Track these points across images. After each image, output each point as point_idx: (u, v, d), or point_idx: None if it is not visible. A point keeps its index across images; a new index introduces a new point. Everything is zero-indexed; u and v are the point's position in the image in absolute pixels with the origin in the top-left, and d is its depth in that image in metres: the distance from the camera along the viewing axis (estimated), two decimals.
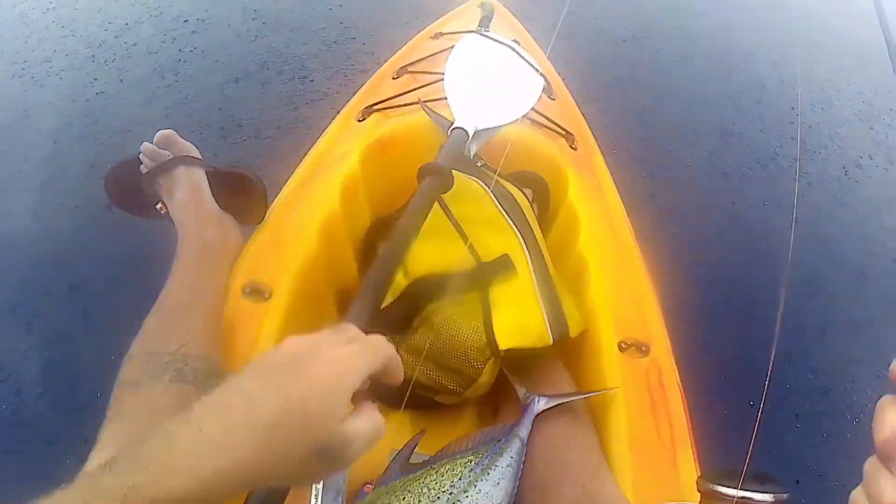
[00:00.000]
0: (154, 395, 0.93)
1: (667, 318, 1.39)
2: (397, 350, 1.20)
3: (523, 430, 1.12)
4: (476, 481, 1.01)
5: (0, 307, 2.29)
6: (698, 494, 1.02)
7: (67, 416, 1.94)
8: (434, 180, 1.12)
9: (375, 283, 0.95)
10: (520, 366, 1.26)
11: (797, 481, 2.07)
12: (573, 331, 1.25)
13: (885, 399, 0.49)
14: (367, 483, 1.11)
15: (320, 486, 1.11)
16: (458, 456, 1.05)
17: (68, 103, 3.15)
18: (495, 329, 1.16)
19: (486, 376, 1.20)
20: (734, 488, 0.56)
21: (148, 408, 0.91)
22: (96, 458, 0.81)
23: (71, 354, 2.14)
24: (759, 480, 0.56)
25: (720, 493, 0.56)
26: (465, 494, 0.98)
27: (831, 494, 1.99)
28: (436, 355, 1.20)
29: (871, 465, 0.49)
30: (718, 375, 2.19)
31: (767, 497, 0.55)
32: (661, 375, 1.23)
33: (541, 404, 1.16)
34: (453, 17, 2.35)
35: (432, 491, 0.99)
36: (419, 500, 0.97)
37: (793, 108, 3.76)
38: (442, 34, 2.11)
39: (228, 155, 2.85)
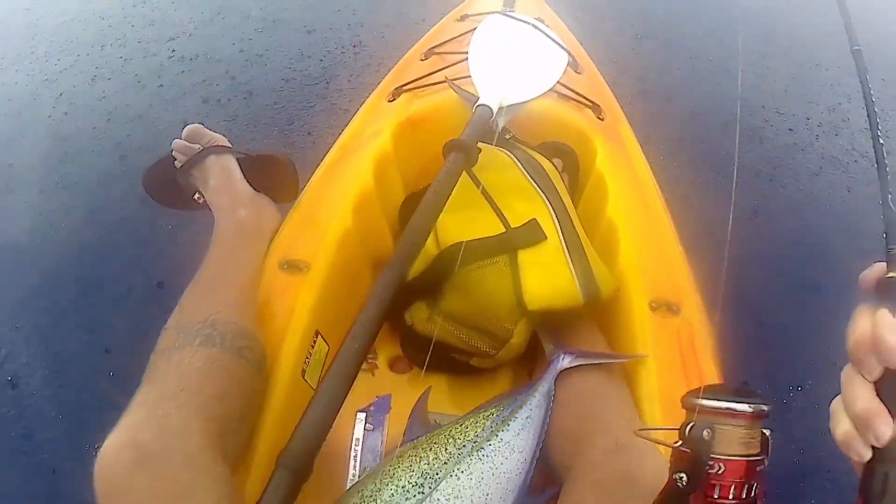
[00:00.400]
0: (183, 358, 0.96)
1: (700, 280, 1.40)
2: (431, 315, 1.25)
3: (545, 385, 1.16)
4: (497, 431, 1.07)
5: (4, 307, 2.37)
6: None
7: (72, 416, 1.98)
8: (458, 156, 1.16)
9: (402, 253, 1.00)
10: (553, 327, 1.28)
11: None
12: (605, 291, 1.27)
13: (860, 308, 0.52)
14: (358, 410, 1.18)
15: (359, 448, 1.17)
16: (481, 410, 1.11)
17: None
18: (524, 290, 1.19)
19: (518, 337, 1.23)
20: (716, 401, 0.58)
21: (178, 371, 0.95)
22: (126, 420, 0.85)
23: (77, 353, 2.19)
24: (742, 394, 0.58)
25: (702, 405, 0.58)
26: (488, 443, 1.05)
27: None
28: (467, 317, 1.23)
29: (845, 373, 0.52)
30: (753, 337, 2.18)
31: (746, 408, 0.57)
32: (692, 335, 1.25)
33: (565, 361, 1.19)
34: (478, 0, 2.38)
35: (457, 440, 1.05)
36: (445, 450, 1.03)
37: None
38: (468, 16, 2.14)
39: (264, 140, 2.89)
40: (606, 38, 3.17)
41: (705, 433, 0.57)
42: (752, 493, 0.57)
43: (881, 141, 0.61)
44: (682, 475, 0.57)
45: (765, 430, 0.60)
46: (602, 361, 1.22)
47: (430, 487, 0.99)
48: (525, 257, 1.23)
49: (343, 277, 1.32)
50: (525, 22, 1.70)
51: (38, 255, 2.44)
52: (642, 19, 3.93)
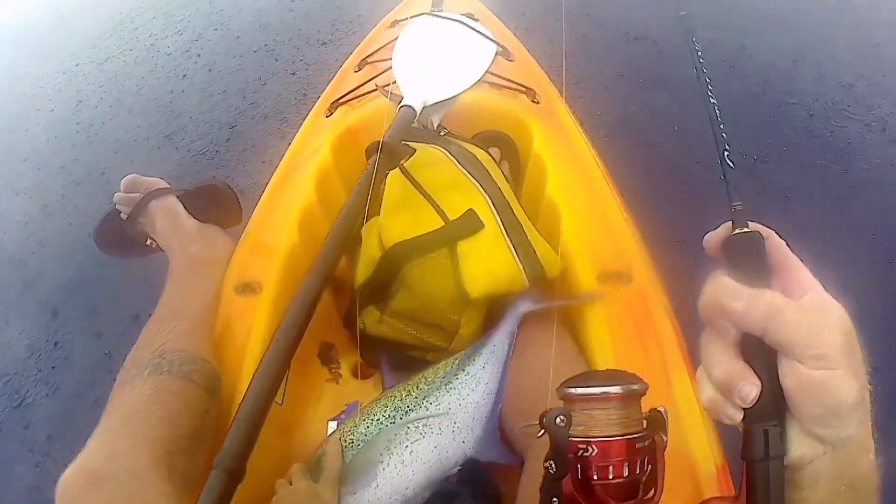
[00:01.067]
0: (134, 388, 1.03)
1: (654, 248, 1.42)
2: (381, 317, 1.27)
3: (508, 325, 1.23)
4: (464, 366, 1.17)
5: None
6: (697, 412, 1.07)
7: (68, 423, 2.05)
8: (380, 156, 1.20)
9: (325, 255, 1.06)
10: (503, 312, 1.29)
11: None
12: (549, 272, 1.28)
13: (714, 273, 0.53)
14: (329, 419, 1.25)
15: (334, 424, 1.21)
16: (443, 361, 1.21)
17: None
18: (464, 279, 1.20)
19: (467, 327, 1.25)
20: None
21: (127, 401, 1.01)
22: (82, 453, 0.91)
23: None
24: (612, 378, 0.59)
25: (567, 393, 0.59)
26: (455, 377, 1.15)
27: None
28: (415, 314, 1.25)
29: (703, 339, 0.54)
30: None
31: (615, 390, 0.57)
32: (645, 301, 1.26)
33: (527, 304, 1.24)
34: (409, 4, 2.39)
35: (427, 379, 1.18)
36: (416, 387, 1.17)
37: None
38: (398, 21, 2.16)
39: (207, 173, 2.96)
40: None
41: (558, 420, 0.58)
42: (638, 470, 0.58)
43: (712, 100, 0.62)
44: (550, 462, 0.59)
45: (659, 409, 0.62)
46: (560, 304, 1.29)
47: (400, 418, 1.10)
48: (464, 247, 1.24)
49: (293, 293, 1.33)
50: (450, 19, 1.72)
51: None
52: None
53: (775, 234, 0.55)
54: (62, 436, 2.11)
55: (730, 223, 0.55)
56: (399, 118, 1.30)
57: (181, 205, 1.41)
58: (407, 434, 1.08)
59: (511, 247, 1.26)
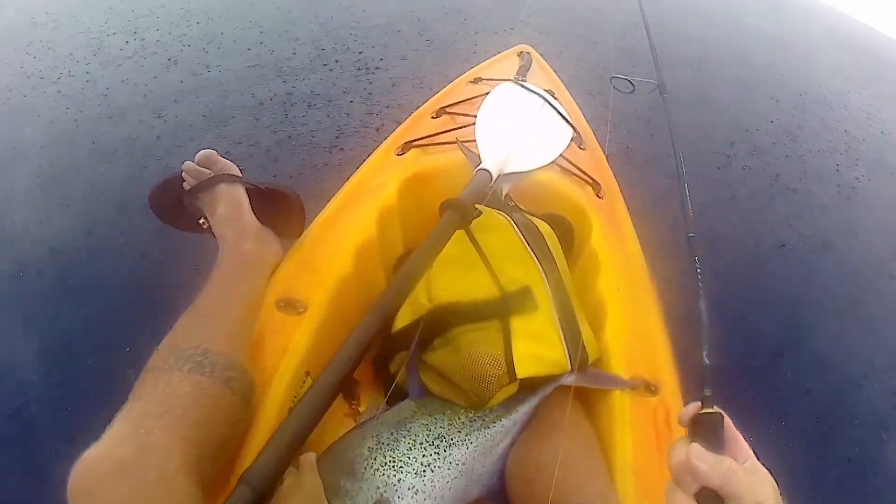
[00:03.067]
0: (172, 381, 0.99)
1: (679, 362, 1.45)
2: (416, 365, 1.28)
3: (544, 392, 1.29)
4: (501, 417, 1.24)
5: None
6: None
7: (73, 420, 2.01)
8: (453, 214, 1.22)
9: (387, 301, 1.08)
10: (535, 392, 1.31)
11: None
12: (591, 358, 1.31)
13: (678, 440, 0.74)
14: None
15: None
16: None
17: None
18: (515, 358, 1.21)
19: (496, 400, 1.25)
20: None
21: (164, 392, 0.97)
22: (108, 434, 0.88)
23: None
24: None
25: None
26: (493, 424, 1.22)
27: None
28: (451, 374, 1.25)
29: (668, 489, 0.71)
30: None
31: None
32: (668, 415, 1.28)
33: (568, 379, 1.29)
34: (493, 63, 2.45)
35: (469, 413, 1.23)
36: (458, 419, 1.21)
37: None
38: (481, 79, 2.21)
39: (273, 175, 2.97)
40: None
41: None
42: None
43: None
44: None
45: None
46: (600, 387, 1.32)
47: (444, 449, 1.13)
48: (517, 325, 1.25)
49: (337, 322, 1.34)
50: (535, 93, 1.76)
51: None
52: None
53: (727, 417, 0.74)
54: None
55: (699, 403, 0.75)
56: (476, 180, 1.33)
57: (247, 198, 1.41)
58: (449, 469, 1.12)
59: (560, 330, 1.28)
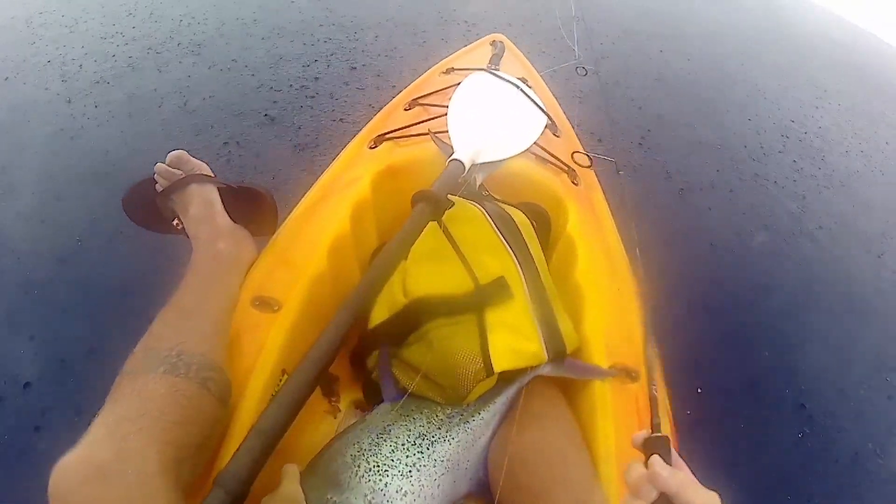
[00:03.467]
0: (147, 383, 0.98)
1: (659, 346, 1.45)
2: (392, 360, 1.27)
3: (522, 382, 1.29)
4: (480, 410, 1.24)
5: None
6: None
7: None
8: (425, 206, 1.21)
9: (359, 295, 1.06)
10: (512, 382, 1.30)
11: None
12: (569, 347, 1.30)
13: (630, 463, 0.84)
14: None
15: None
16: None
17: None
18: (491, 352, 1.20)
19: (474, 395, 1.24)
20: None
21: (140, 395, 0.96)
22: (86, 438, 0.87)
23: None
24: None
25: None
26: (472, 418, 1.22)
27: None
28: (428, 371, 1.23)
29: (625, 499, 0.81)
30: (708, 400, 2.24)
31: None
32: (648, 401, 1.28)
33: (545, 369, 1.28)
34: (466, 53, 2.43)
35: (445, 410, 1.23)
36: (436, 416, 1.21)
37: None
38: (454, 69, 2.19)
39: (242, 173, 2.95)
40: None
41: None
42: None
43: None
44: None
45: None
46: (575, 377, 1.32)
47: (427, 447, 1.13)
48: (492, 317, 1.24)
49: (312, 319, 1.33)
50: (508, 81, 1.74)
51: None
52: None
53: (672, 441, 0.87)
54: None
55: (649, 429, 0.91)
56: (448, 171, 1.32)
57: (220, 198, 1.40)
58: (435, 467, 1.11)
59: (536, 321, 1.27)
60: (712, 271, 3.08)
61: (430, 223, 1.30)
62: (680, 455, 0.86)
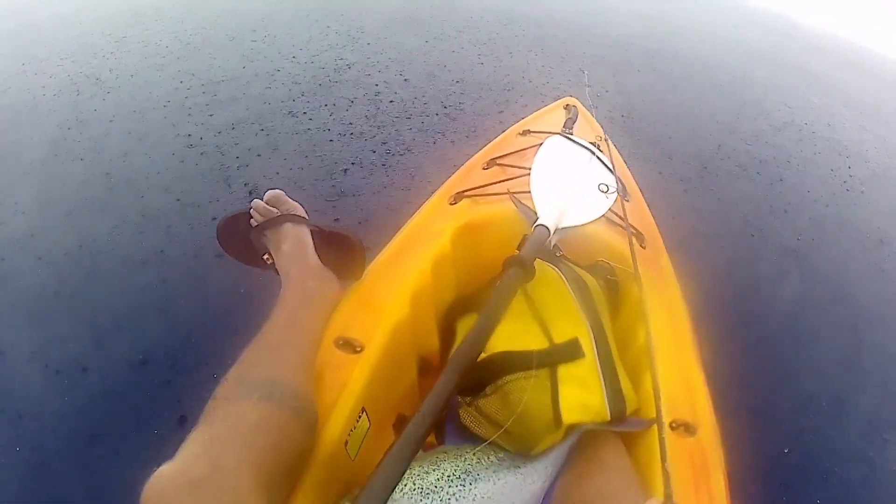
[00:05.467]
0: (241, 409, 1.03)
1: (719, 407, 1.51)
2: (464, 408, 1.34)
3: (574, 439, 1.35)
4: (533, 459, 1.29)
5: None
6: None
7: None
8: (517, 272, 1.28)
9: (464, 355, 1.10)
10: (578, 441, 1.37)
11: None
12: (629, 408, 1.37)
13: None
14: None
15: None
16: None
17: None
18: (561, 405, 1.28)
19: (543, 446, 1.31)
20: None
21: (235, 420, 1.02)
22: (181, 454, 0.93)
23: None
24: None
25: None
26: (524, 464, 1.28)
27: None
28: (502, 420, 1.31)
29: None
30: (766, 465, 2.27)
31: None
32: (705, 456, 1.34)
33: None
34: (540, 116, 2.54)
35: (497, 453, 1.29)
36: (487, 457, 1.26)
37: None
38: (529, 132, 2.29)
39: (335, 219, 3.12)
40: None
41: None
42: None
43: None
44: None
45: None
46: (618, 429, 1.36)
47: (470, 483, 1.19)
48: (564, 372, 1.33)
49: (392, 362, 1.41)
50: (583, 146, 1.83)
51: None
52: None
53: None
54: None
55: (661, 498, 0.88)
56: (535, 236, 1.40)
57: (311, 239, 1.49)
58: (474, 501, 1.17)
59: (602, 380, 1.35)
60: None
61: None
62: None
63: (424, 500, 1.13)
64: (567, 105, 2.60)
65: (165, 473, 0.88)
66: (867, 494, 2.46)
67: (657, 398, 1.07)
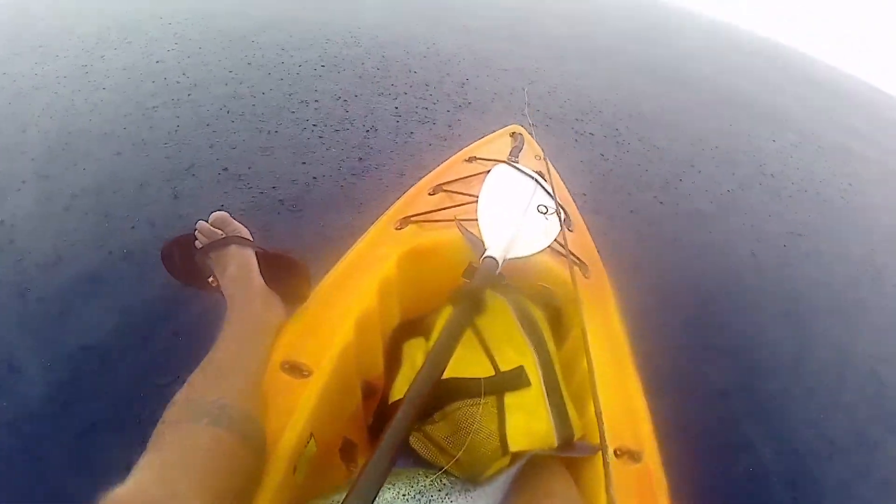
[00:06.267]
0: (190, 433, 1.03)
1: (660, 432, 1.54)
2: (413, 433, 1.35)
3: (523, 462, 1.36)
4: (483, 484, 1.30)
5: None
6: None
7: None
8: (469, 305, 1.29)
9: (420, 388, 1.09)
10: (525, 467, 1.38)
11: None
12: (576, 434, 1.39)
13: None
14: None
15: None
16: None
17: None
18: (508, 433, 1.29)
19: (490, 472, 1.31)
20: None
21: (184, 444, 1.02)
22: (134, 477, 0.93)
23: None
24: None
25: None
26: (475, 489, 1.28)
27: None
28: (449, 447, 1.32)
29: None
30: (709, 489, 2.33)
31: None
32: (651, 483, 1.36)
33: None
34: (487, 143, 2.57)
35: (450, 478, 1.29)
36: (441, 481, 1.27)
37: None
38: (476, 158, 2.32)
39: (278, 242, 3.08)
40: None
41: None
42: None
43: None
44: None
45: None
46: (564, 454, 1.38)
47: (425, 502, 1.21)
48: (510, 400, 1.34)
49: (338, 387, 1.41)
50: (530, 176, 1.86)
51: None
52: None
53: None
54: None
55: None
56: (484, 268, 1.41)
57: (257, 261, 1.47)
58: None
59: (548, 408, 1.36)
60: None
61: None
62: None
63: None
64: (513, 133, 2.64)
65: (122, 494, 0.88)
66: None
67: (600, 424, 1.09)
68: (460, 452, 1.28)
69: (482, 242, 1.51)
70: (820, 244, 4.69)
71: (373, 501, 0.89)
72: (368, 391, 1.59)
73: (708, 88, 8.37)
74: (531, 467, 1.37)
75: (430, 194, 2.08)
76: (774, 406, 3.01)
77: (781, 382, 3.18)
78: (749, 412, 2.91)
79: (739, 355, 3.29)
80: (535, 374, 1.41)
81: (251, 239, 1.51)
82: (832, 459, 2.80)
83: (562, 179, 2.42)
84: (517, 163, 2.09)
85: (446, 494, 1.25)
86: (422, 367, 1.13)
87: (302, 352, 1.39)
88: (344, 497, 0.89)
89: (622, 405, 1.52)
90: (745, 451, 2.69)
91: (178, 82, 4.60)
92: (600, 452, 1.36)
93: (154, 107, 4.19)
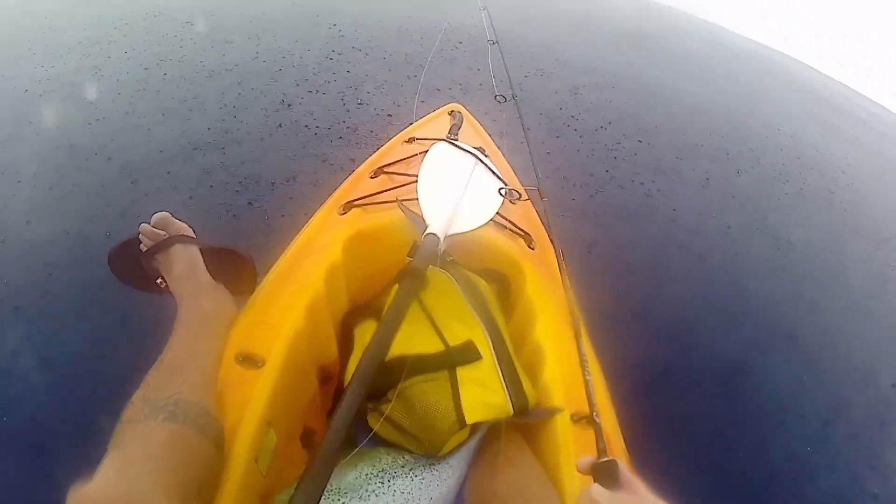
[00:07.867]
0: (148, 431, 1.05)
1: (613, 393, 1.57)
2: (371, 413, 1.36)
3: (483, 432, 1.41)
4: (447, 456, 1.34)
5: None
6: None
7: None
8: (411, 282, 1.31)
9: (367, 367, 1.12)
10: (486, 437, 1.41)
11: None
12: (531, 402, 1.41)
13: (581, 491, 0.92)
14: None
15: None
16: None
17: None
18: (463, 406, 1.32)
19: (449, 447, 1.34)
20: None
21: (143, 441, 1.04)
22: (97, 477, 0.94)
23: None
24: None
25: None
26: (439, 463, 1.33)
27: None
28: (406, 425, 1.34)
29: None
30: (662, 439, 2.38)
31: None
32: (609, 445, 1.39)
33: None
34: (425, 123, 2.57)
35: (413, 453, 1.33)
36: (402, 457, 1.32)
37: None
38: (415, 139, 2.32)
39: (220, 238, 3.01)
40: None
41: None
42: None
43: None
44: None
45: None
46: (525, 420, 1.42)
47: (388, 480, 1.24)
48: (463, 374, 1.36)
49: (293, 375, 1.41)
50: (469, 152, 1.87)
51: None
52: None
53: (621, 463, 0.95)
54: None
55: (595, 455, 0.99)
56: (426, 245, 1.42)
57: (202, 258, 1.48)
58: (393, 496, 1.21)
59: (502, 378, 1.39)
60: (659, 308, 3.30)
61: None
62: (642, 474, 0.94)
63: (342, 499, 1.17)
64: (452, 111, 2.64)
65: (85, 493, 0.89)
66: (763, 471, 2.61)
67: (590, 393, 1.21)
68: (420, 431, 1.30)
69: (423, 220, 1.52)
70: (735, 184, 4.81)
71: (326, 482, 0.92)
72: (325, 377, 1.60)
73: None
74: (490, 436, 1.40)
75: (371, 178, 2.08)
76: (727, 368, 3.07)
77: (736, 343, 3.23)
78: (701, 378, 2.97)
79: (691, 318, 3.33)
80: (485, 346, 1.44)
81: (195, 236, 1.51)
82: (785, 424, 2.88)
83: (503, 155, 2.43)
84: (457, 140, 2.10)
85: (410, 470, 1.28)
86: (367, 346, 1.15)
87: (254, 343, 1.39)
88: (297, 483, 0.91)
89: (575, 372, 1.54)
90: (696, 415, 2.75)
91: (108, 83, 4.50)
92: (556, 417, 1.41)
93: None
